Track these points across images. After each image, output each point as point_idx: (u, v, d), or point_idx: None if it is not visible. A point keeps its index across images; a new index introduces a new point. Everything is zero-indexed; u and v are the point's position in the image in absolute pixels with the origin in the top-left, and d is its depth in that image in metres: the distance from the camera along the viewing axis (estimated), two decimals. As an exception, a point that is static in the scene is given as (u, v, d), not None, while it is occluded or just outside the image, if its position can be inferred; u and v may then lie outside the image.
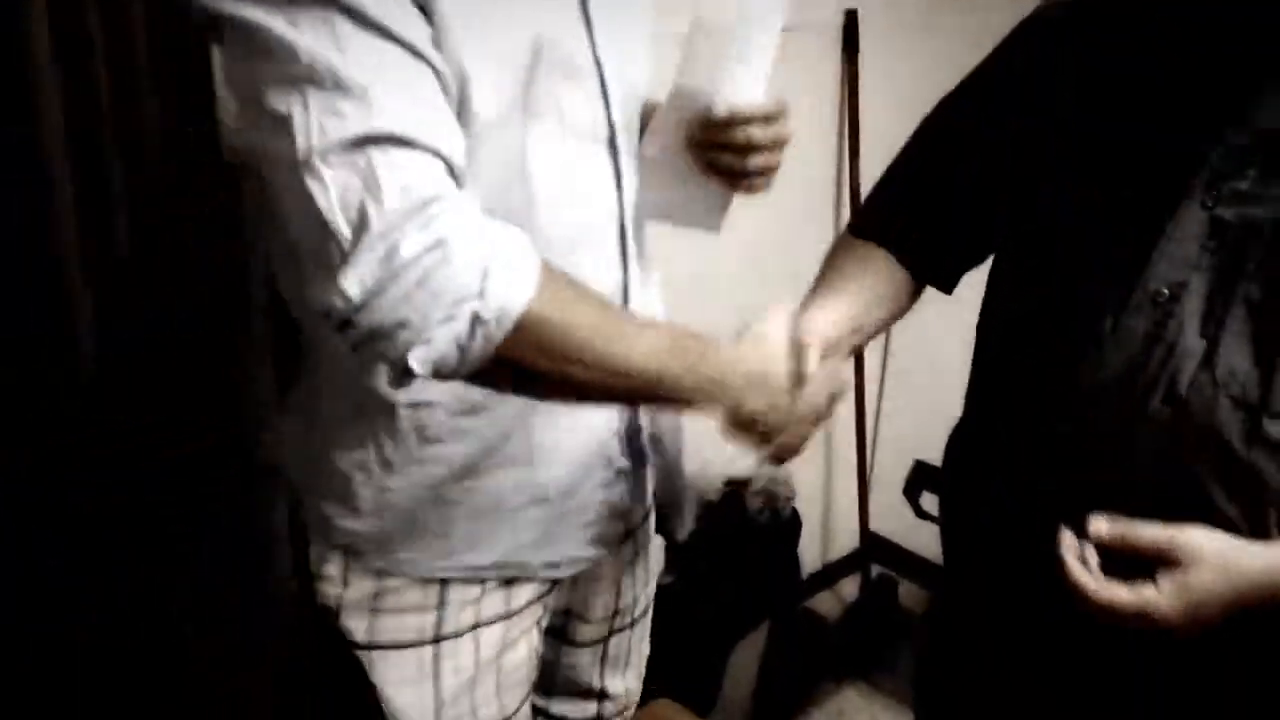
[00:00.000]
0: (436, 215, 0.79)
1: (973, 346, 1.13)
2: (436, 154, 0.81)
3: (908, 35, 2.31)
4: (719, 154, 1.04)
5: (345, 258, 0.78)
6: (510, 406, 0.99)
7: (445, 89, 0.84)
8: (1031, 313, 1.01)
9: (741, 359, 0.95)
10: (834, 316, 1.06)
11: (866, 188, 1.25)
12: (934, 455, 1.20)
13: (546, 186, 0.95)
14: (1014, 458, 1.03)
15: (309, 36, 0.78)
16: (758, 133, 1.02)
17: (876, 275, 1.12)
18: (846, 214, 2.28)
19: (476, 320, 0.81)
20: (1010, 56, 1.08)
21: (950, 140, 1.12)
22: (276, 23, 0.78)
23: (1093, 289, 0.95)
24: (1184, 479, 0.90)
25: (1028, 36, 1.07)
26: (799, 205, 2.21)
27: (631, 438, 1.12)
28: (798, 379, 0.98)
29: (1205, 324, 0.89)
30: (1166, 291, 0.90)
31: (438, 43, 0.83)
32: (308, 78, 0.78)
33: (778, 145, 1.06)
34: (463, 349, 0.81)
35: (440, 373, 0.83)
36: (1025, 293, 1.04)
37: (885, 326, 1.15)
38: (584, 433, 1.07)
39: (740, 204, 1.12)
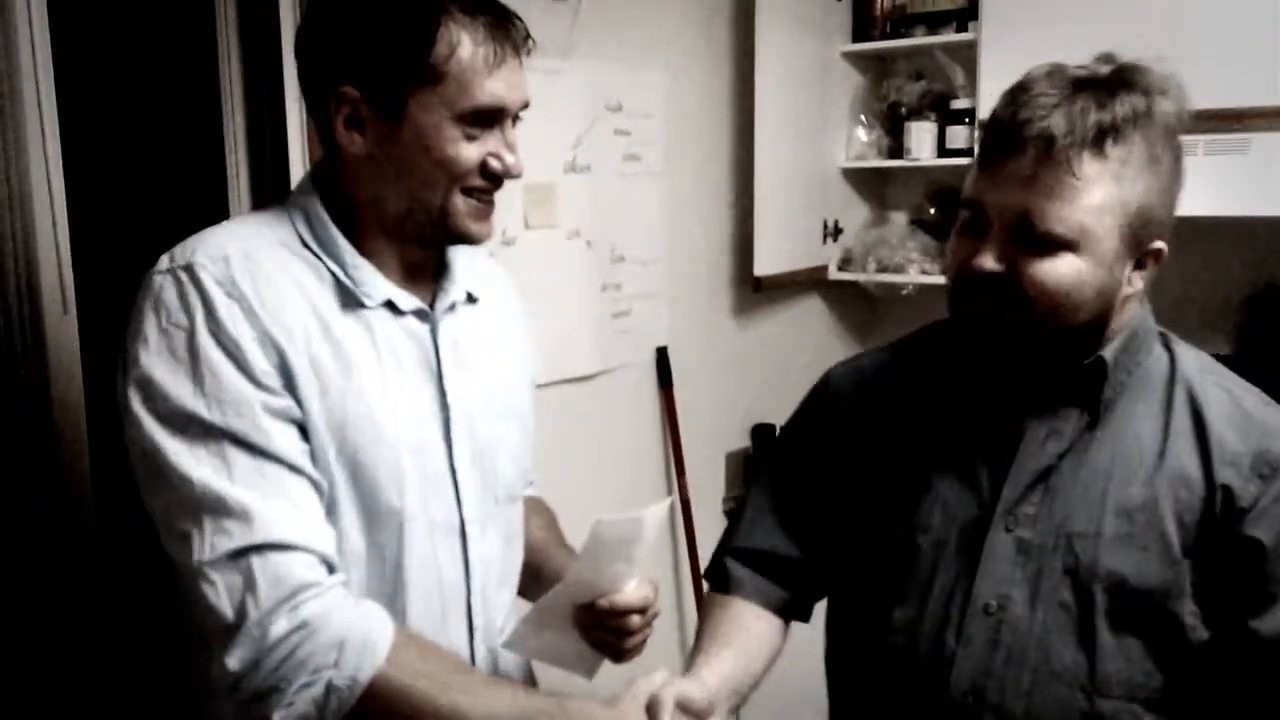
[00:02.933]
0: (304, 601, 1.01)
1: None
2: (308, 550, 1.02)
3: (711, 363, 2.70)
4: (601, 632, 1.22)
5: (229, 641, 0.99)
6: None
7: (320, 493, 1.06)
8: (880, 631, 1.15)
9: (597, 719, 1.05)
10: (713, 683, 1.14)
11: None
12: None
13: (412, 573, 1.14)
14: None
15: (205, 467, 1.00)
16: (635, 620, 1.20)
17: (748, 630, 1.23)
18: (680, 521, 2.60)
19: (330, 687, 1.01)
20: (809, 413, 1.28)
21: (780, 488, 1.27)
22: (181, 458, 1.00)
23: (933, 608, 1.11)
24: None
25: (820, 396, 1.27)
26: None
27: None
28: None
29: (1033, 626, 1.06)
30: (995, 604, 1.07)
31: (314, 457, 1.05)
32: (201, 505, 1.00)
33: (649, 623, 1.22)
34: (320, 709, 1.01)
35: None
36: (873, 614, 1.16)
37: (763, 675, 1.24)
38: None
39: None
